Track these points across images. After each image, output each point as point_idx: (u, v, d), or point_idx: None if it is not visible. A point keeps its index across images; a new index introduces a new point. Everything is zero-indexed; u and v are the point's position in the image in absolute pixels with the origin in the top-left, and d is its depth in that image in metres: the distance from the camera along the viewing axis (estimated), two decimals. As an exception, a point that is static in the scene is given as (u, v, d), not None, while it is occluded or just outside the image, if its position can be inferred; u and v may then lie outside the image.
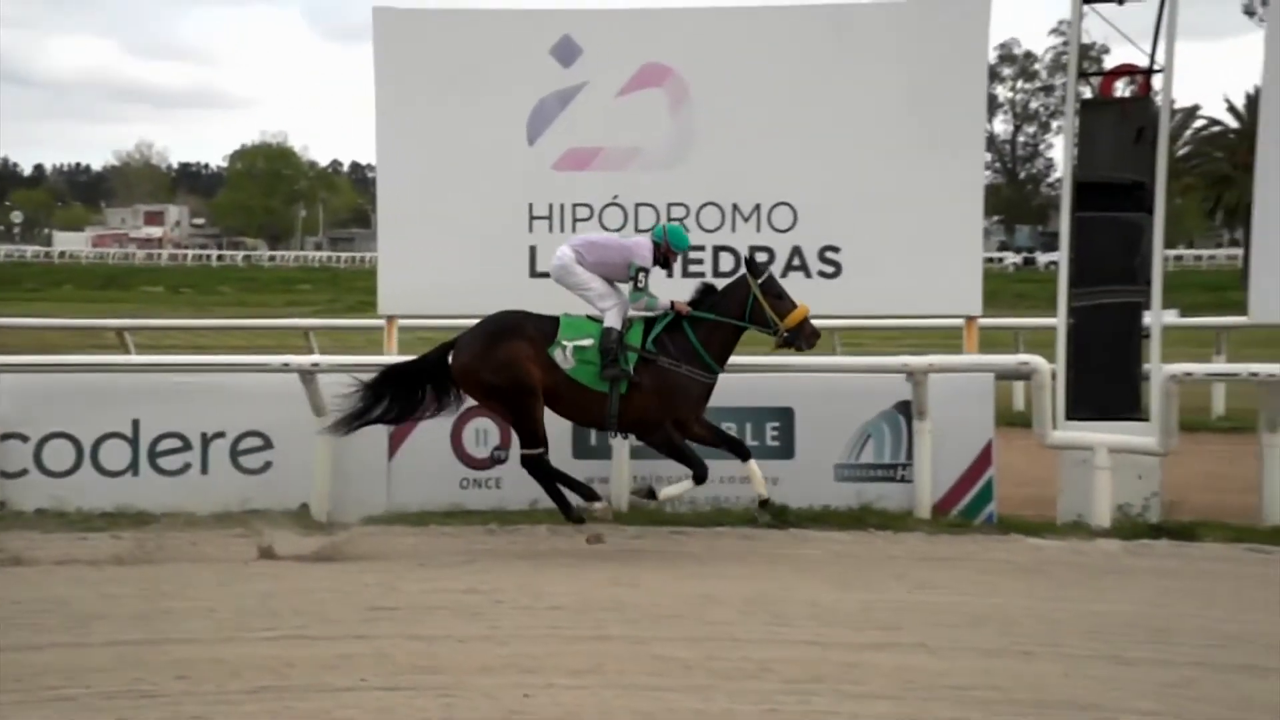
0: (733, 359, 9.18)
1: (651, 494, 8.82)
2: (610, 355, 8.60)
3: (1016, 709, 5.51)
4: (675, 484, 8.81)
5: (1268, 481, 9.30)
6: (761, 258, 9.71)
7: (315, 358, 11.12)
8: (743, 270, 9.09)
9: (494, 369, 8.65)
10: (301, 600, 7.36)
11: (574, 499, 8.83)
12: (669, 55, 10.30)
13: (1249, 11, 50.19)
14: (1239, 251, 44.99)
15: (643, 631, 6.72)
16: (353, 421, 9.06)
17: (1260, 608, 7.18)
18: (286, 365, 9.95)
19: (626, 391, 8.66)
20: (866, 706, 5.54)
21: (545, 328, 8.76)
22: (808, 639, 6.56)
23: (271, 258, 70.67)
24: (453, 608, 7.22)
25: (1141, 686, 5.79)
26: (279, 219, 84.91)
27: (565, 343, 8.67)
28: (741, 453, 8.84)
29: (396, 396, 8.97)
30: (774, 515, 9.12)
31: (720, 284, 9.13)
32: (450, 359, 8.90)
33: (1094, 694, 5.69)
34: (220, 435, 10.06)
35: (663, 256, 8.92)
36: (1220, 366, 12.68)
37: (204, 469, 10.05)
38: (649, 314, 8.88)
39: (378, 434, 10.05)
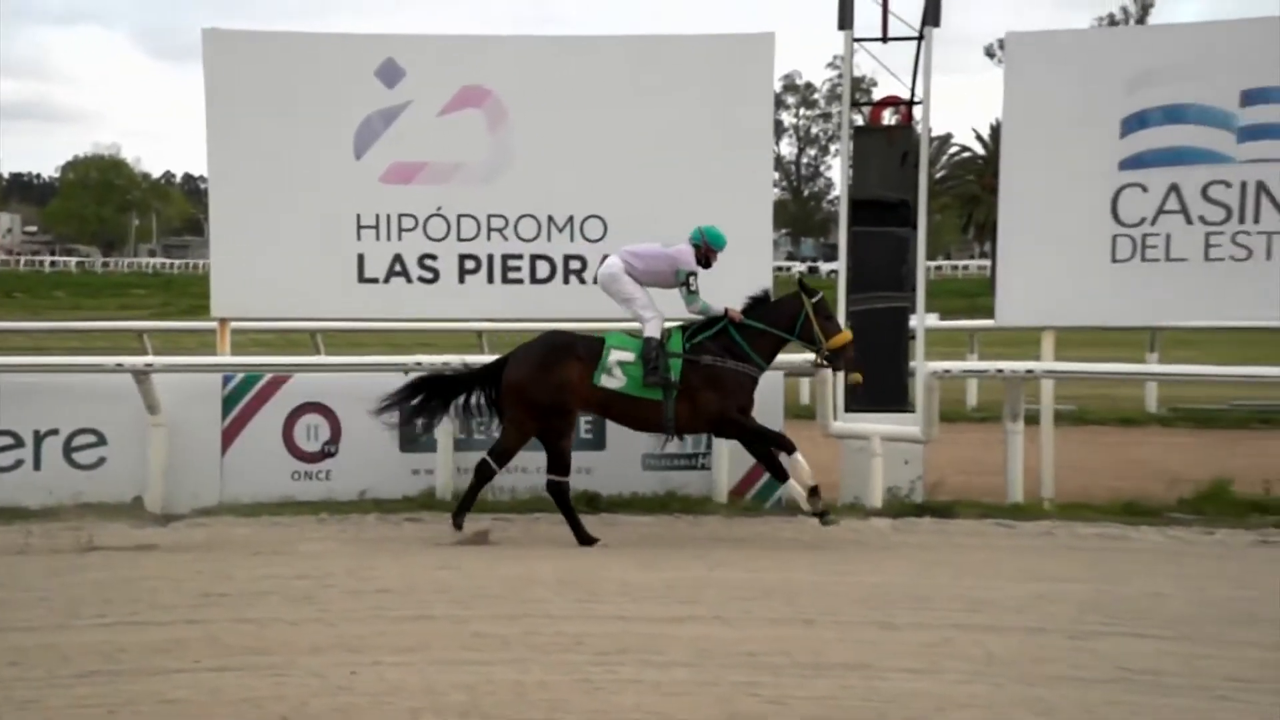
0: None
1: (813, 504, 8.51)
2: (651, 364, 8.45)
3: (799, 671, 5.62)
4: (794, 466, 8.54)
5: (1011, 465, 9.67)
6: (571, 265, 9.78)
7: (149, 359, 10.77)
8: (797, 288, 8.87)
9: (545, 389, 8.48)
10: (134, 588, 7.10)
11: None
12: (488, 78, 10.21)
13: (990, 54, 54.07)
14: (988, 263, 46.88)
15: (465, 611, 6.66)
16: (387, 409, 8.91)
17: (1006, 575, 7.44)
18: (120, 365, 9.64)
19: (679, 395, 8.50)
20: (668, 674, 5.59)
21: (594, 348, 8.60)
22: (616, 614, 6.59)
23: (105, 264, 67.36)
24: (283, 592, 7.04)
25: (905, 647, 5.95)
26: (112, 227, 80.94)
27: (610, 361, 8.51)
28: (787, 446, 8.64)
29: (431, 396, 8.79)
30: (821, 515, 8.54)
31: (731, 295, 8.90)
32: (504, 373, 8.69)
33: (865, 655, 5.83)
34: (53, 433, 9.69)
35: (704, 257, 8.80)
36: (973, 364, 13.15)
37: (36, 465, 9.66)
38: (703, 316, 8.74)
39: (211, 430, 9.81)
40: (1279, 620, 6.41)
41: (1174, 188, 9.62)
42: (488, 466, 8.64)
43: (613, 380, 8.49)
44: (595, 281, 9.25)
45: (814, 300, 8.72)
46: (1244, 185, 9.51)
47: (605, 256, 9.21)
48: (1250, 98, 9.48)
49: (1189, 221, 9.62)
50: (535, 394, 8.49)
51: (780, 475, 8.64)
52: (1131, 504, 9.31)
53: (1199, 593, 7.02)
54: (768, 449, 8.73)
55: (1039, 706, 5.15)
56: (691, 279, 8.65)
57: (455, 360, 9.40)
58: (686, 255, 8.74)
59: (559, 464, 8.59)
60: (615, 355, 8.53)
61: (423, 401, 8.80)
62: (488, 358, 9.50)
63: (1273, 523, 8.91)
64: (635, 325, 8.82)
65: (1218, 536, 8.64)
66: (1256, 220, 9.51)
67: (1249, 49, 9.57)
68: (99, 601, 6.85)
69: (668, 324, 8.78)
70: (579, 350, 8.59)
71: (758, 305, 8.79)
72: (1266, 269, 9.48)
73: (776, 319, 8.72)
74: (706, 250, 8.81)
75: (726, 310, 8.72)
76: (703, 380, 8.53)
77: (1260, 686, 5.40)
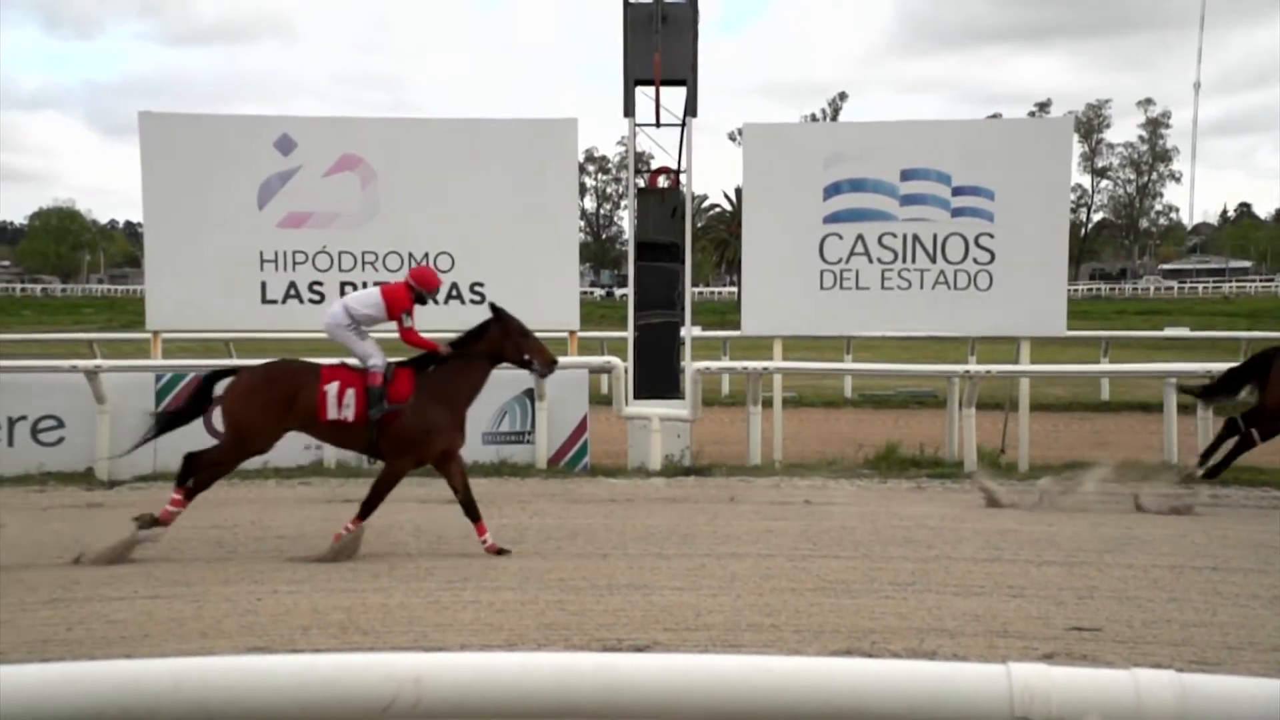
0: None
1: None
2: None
3: (596, 591, 5.62)
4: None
5: (751, 436, 9.88)
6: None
7: (98, 361, 10.22)
8: None
9: None
10: (87, 536, 6.62)
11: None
12: (361, 149, 9.96)
13: (731, 138, 55.71)
14: (735, 289, 48.10)
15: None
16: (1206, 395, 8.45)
17: (743, 517, 7.52)
18: (75, 367, 9.34)
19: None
20: (498, 595, 5.53)
21: None
22: (459, 551, 6.48)
23: (63, 290, 63.24)
24: (202, 538, 6.72)
25: (674, 571, 6.02)
26: (69, 262, 76.08)
27: None
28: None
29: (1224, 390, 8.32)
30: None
31: None
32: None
33: (644, 578, 5.88)
34: (23, 418, 9.24)
35: None
36: (725, 363, 13.37)
37: (10, 442, 9.20)
38: None
39: (147, 415, 9.30)
40: (925, 541, 6.73)
41: (860, 237, 9.99)
42: (1236, 425, 8.06)
43: None
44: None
45: None
46: (905, 236, 9.96)
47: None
48: (907, 175, 9.94)
49: (870, 261, 10.00)
50: None
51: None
52: (833, 463, 9.58)
53: (873, 524, 7.27)
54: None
55: (766, 610, 5.27)
56: None
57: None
58: None
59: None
60: None
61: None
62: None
63: (926, 473, 9.34)
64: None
65: (889, 484, 8.97)
66: (913, 261, 9.98)
67: (906, 141, 10.04)
68: (57, 546, 6.48)
69: None
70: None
71: None
72: (919, 295, 9.95)
73: None
74: None
75: None
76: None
77: (913, 587, 5.66)
